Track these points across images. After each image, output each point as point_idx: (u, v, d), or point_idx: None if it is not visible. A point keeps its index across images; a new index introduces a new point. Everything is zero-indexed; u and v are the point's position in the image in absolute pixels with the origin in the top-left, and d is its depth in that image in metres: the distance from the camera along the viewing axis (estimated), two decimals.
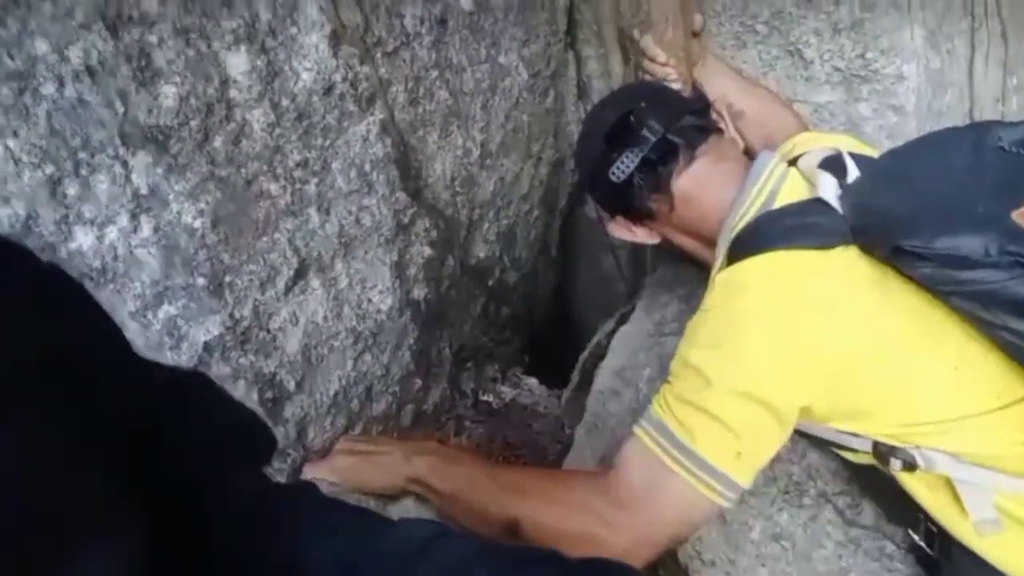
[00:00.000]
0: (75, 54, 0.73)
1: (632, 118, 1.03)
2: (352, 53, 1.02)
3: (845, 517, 1.02)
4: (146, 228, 0.83)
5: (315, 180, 1.01)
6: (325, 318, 1.06)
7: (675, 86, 1.27)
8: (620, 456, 0.86)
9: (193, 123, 0.85)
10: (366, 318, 1.13)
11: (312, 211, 1.01)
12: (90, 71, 0.75)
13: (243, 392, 0.96)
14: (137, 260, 0.82)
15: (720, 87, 1.25)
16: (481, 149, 1.35)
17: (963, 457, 0.83)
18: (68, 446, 0.31)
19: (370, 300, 1.13)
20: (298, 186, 0.99)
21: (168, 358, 0.87)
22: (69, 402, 0.33)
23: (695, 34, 1.30)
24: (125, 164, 0.80)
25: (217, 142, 0.88)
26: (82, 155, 0.76)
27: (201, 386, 0.49)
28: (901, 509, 0.93)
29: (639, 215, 1.08)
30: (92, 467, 0.33)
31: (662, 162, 1.02)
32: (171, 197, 0.84)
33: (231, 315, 0.93)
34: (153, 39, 0.80)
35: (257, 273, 0.95)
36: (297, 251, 1.00)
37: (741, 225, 0.94)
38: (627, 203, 1.06)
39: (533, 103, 1.46)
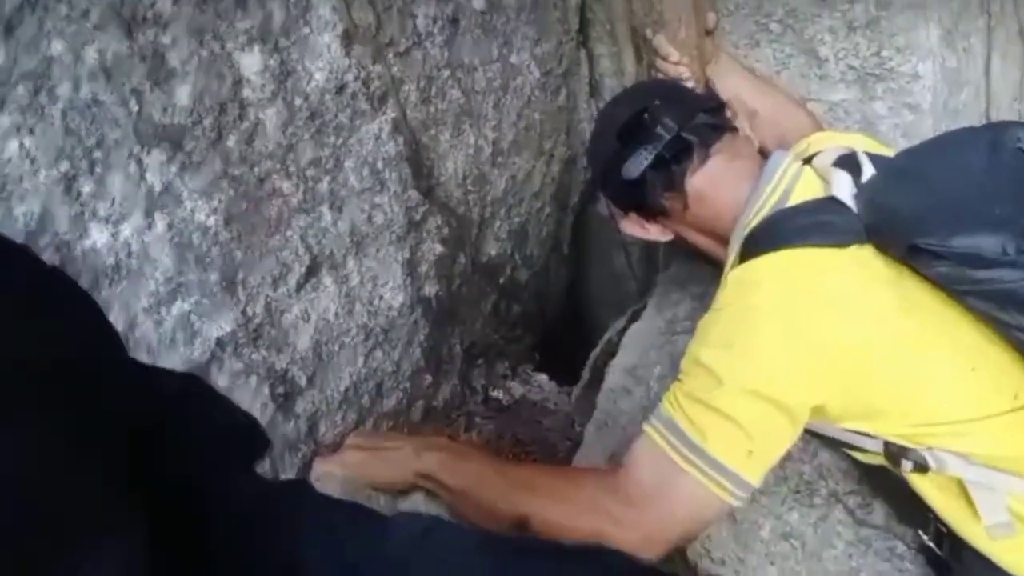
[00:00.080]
0: (90, 54, 0.75)
1: (646, 115, 1.03)
2: (364, 52, 1.03)
3: (856, 517, 1.01)
4: (160, 225, 0.84)
5: (327, 178, 1.02)
6: (336, 315, 1.07)
7: (688, 84, 1.27)
8: (630, 454, 0.86)
9: (207, 122, 0.86)
10: (377, 315, 1.14)
11: (324, 209, 1.02)
12: (105, 71, 0.76)
13: (254, 388, 0.97)
14: (151, 257, 0.83)
15: (733, 86, 1.24)
16: (493, 147, 1.35)
17: (976, 459, 0.82)
18: (68, 446, 0.32)
19: (381, 297, 1.14)
20: (310, 184, 1.00)
21: (181, 354, 0.88)
22: (69, 402, 0.33)
23: (708, 33, 1.29)
24: (139, 162, 0.81)
25: (231, 141, 0.89)
26: (97, 154, 0.77)
27: (199, 388, 0.50)
28: (912, 509, 0.93)
29: (652, 212, 1.07)
30: (92, 467, 0.33)
31: (676, 160, 1.01)
32: (185, 195, 0.85)
33: (243, 312, 0.94)
34: (167, 39, 0.81)
35: (269, 270, 0.96)
36: (309, 248, 1.01)
37: (755, 223, 0.94)
38: (640, 200, 1.06)
39: (545, 101, 1.46)
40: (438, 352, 1.31)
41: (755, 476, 0.83)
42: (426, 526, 0.48)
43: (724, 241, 1.02)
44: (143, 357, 0.84)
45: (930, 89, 1.33)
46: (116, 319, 0.81)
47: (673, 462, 0.82)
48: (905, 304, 0.85)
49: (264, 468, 0.99)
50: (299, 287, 1.01)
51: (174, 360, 0.87)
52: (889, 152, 0.99)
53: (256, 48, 0.90)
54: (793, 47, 1.36)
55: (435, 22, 1.14)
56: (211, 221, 0.88)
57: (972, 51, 1.33)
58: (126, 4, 0.76)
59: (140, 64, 0.79)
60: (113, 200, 0.79)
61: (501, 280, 1.50)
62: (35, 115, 0.72)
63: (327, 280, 1.04)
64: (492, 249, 1.44)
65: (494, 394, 1.45)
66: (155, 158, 0.82)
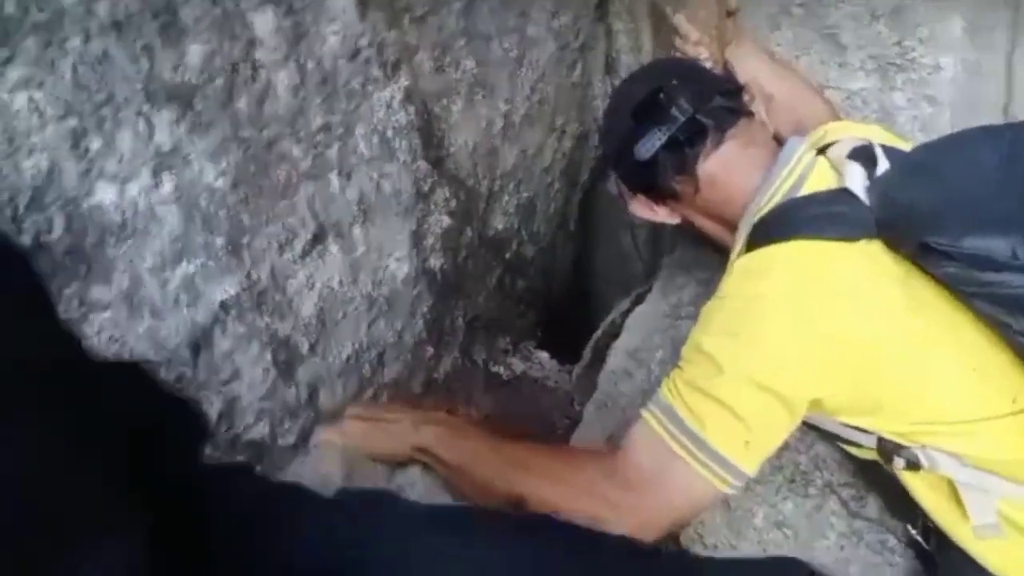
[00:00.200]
0: (102, 8, 0.73)
1: (662, 95, 1.01)
2: (380, 17, 1.01)
3: (849, 509, 1.02)
4: (167, 185, 0.83)
5: (337, 145, 1.01)
6: (341, 283, 1.06)
7: (706, 66, 1.25)
8: (628, 438, 0.86)
9: (218, 82, 0.84)
10: (382, 285, 1.14)
11: (333, 176, 1.01)
12: (116, 25, 0.74)
13: (256, 353, 0.97)
14: (157, 217, 0.83)
15: (751, 69, 1.22)
16: (505, 120, 1.33)
17: (969, 460, 0.82)
18: (68, 446, 0.31)
19: (386, 267, 1.13)
20: (320, 150, 0.98)
21: (184, 316, 0.87)
22: (69, 402, 0.33)
23: (729, 14, 1.27)
24: (148, 120, 0.80)
25: (241, 102, 0.88)
26: (106, 110, 0.76)
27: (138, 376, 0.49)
28: (905, 504, 0.93)
29: (662, 195, 1.06)
30: (92, 467, 0.33)
31: (689, 143, 1.00)
32: (193, 156, 0.84)
33: (248, 276, 0.93)
34: None
35: (275, 235, 0.96)
36: (316, 215, 1.00)
37: (765, 211, 0.93)
38: (650, 182, 1.05)
39: (560, 75, 1.45)
40: (441, 324, 1.31)
41: (751, 466, 0.83)
42: (426, 516, 0.48)
43: (732, 227, 1.01)
44: (147, 318, 0.84)
45: (951, 82, 1.31)
46: (121, 279, 0.81)
47: (670, 449, 0.82)
48: (912, 302, 0.84)
49: (263, 434, 1.00)
50: (304, 253, 1.00)
51: (178, 322, 0.87)
52: (906, 145, 0.98)
53: (270, 8, 0.88)
54: (814, 33, 1.34)
55: None
56: (219, 183, 0.87)
57: (995, 44, 1.31)
58: None
59: (152, 20, 0.77)
60: (121, 158, 0.78)
61: (507, 255, 1.49)
62: (45, 68, 0.70)
63: (333, 248, 1.04)
64: (499, 223, 1.43)
65: (495, 369, 1.45)
66: (164, 117, 0.81)
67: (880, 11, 1.28)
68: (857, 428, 0.88)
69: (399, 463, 0.99)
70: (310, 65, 0.94)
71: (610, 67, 1.59)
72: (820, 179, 0.93)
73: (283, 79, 0.91)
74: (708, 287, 1.12)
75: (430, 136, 1.16)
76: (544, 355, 1.56)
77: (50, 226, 0.74)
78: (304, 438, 1.06)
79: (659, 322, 1.21)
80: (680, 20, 1.25)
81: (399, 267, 1.15)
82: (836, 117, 1.18)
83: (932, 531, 0.90)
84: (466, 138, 1.25)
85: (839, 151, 0.94)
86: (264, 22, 0.88)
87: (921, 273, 0.84)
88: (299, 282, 1.01)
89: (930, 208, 0.81)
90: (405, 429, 0.98)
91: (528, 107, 1.38)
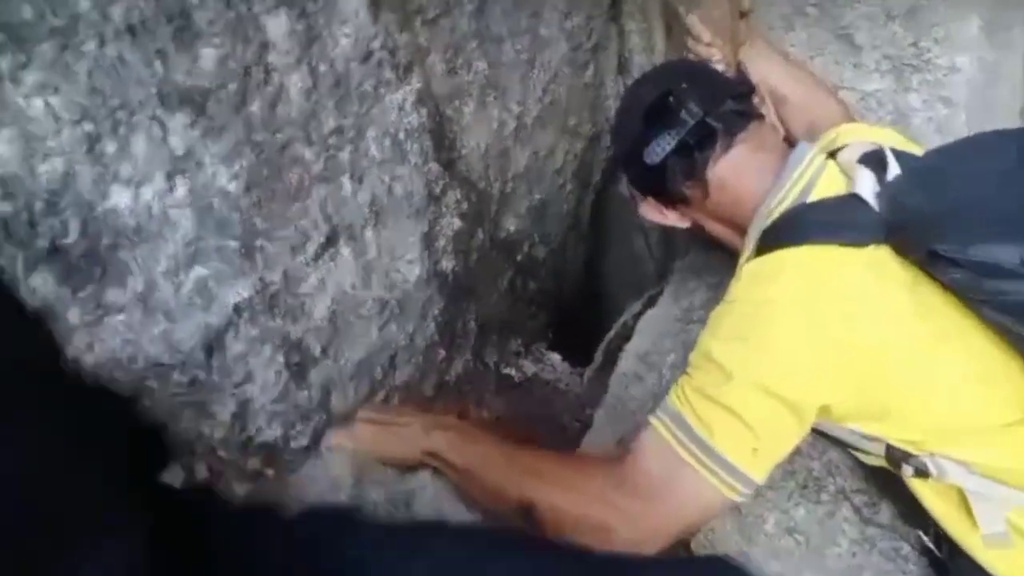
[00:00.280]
0: (117, 12, 0.73)
1: (671, 98, 1.01)
2: (392, 20, 1.01)
3: (862, 515, 1.01)
4: (181, 189, 0.83)
5: (349, 147, 1.01)
6: (353, 286, 1.07)
7: (719, 67, 1.24)
8: (637, 445, 0.86)
9: (231, 86, 0.85)
10: (393, 287, 1.14)
11: (345, 179, 1.01)
12: (131, 29, 0.75)
13: (269, 355, 0.97)
14: (171, 220, 0.83)
15: (764, 70, 1.21)
16: (517, 122, 1.33)
17: (978, 469, 0.82)
18: (68, 446, 0.31)
19: (398, 270, 1.14)
20: (332, 153, 0.99)
21: (198, 319, 0.88)
22: (69, 402, 0.33)
23: (743, 15, 1.26)
24: (163, 125, 0.80)
25: (254, 106, 0.88)
26: (121, 114, 0.76)
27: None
28: (918, 511, 0.93)
29: (671, 199, 1.06)
30: (92, 467, 0.33)
31: (699, 147, 0.99)
32: (207, 159, 0.84)
33: (261, 279, 0.94)
34: (194, 0, 0.79)
35: (288, 238, 0.96)
36: (328, 218, 1.00)
37: (774, 216, 0.92)
38: (660, 186, 1.04)
39: (572, 76, 1.44)
40: (452, 327, 1.31)
41: (760, 473, 0.82)
42: (388, 537, 0.48)
43: (742, 231, 1.00)
44: (161, 321, 0.84)
45: (967, 83, 1.29)
46: (135, 282, 0.81)
47: (678, 456, 0.82)
48: (920, 308, 0.84)
49: (276, 436, 1.00)
50: (317, 256, 1.00)
51: (191, 324, 0.87)
52: (919, 149, 0.97)
53: (283, 12, 0.88)
54: (829, 33, 1.33)
55: None
56: (232, 186, 0.88)
57: (1013, 45, 1.30)
58: None
59: (166, 24, 0.77)
60: (135, 162, 0.78)
61: (518, 257, 1.49)
62: (60, 73, 0.71)
63: (345, 251, 1.04)
64: (511, 225, 1.43)
65: (506, 371, 1.45)
66: (178, 121, 0.81)
67: (896, 11, 1.27)
68: (865, 435, 0.88)
69: (409, 467, 0.99)
70: (322, 68, 0.94)
71: (623, 67, 1.59)
72: (830, 184, 0.92)
73: (296, 82, 0.92)
74: (719, 291, 1.12)
75: (442, 138, 1.16)
76: (556, 357, 1.56)
77: (65, 230, 0.75)
78: (316, 440, 1.06)
79: (670, 326, 1.20)
80: (693, 21, 1.24)
81: (411, 270, 1.15)
82: (850, 119, 1.17)
83: (943, 539, 0.89)
84: (478, 140, 1.24)
85: (849, 156, 0.94)
86: (277, 25, 0.88)
87: (930, 279, 0.83)
88: (311, 285, 1.01)
89: (939, 214, 0.81)
90: (416, 433, 0.98)
91: (540, 108, 1.38)
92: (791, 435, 0.84)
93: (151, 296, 0.83)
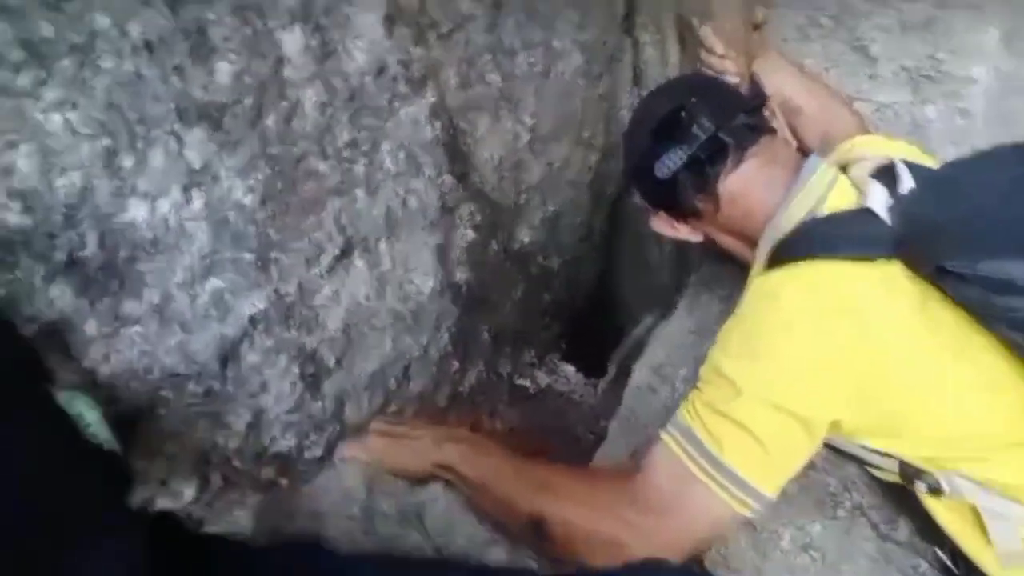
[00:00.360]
0: (134, 29, 0.75)
1: (683, 113, 1.00)
2: (406, 34, 1.02)
3: (879, 532, 1.00)
4: (197, 202, 0.84)
5: (364, 161, 1.01)
6: (367, 297, 1.07)
7: (732, 79, 1.24)
8: (648, 460, 0.85)
9: (247, 100, 0.86)
10: (407, 299, 1.14)
11: (359, 191, 1.02)
12: (148, 46, 0.76)
13: (284, 366, 0.97)
14: (187, 233, 0.84)
15: (778, 83, 1.21)
16: (531, 134, 1.34)
17: (992, 487, 0.80)
18: (68, 446, 0.32)
19: (412, 281, 1.14)
20: (347, 166, 0.99)
21: (214, 330, 0.89)
22: None
23: (756, 27, 1.26)
24: (179, 139, 0.81)
25: (270, 120, 0.89)
26: (138, 128, 0.77)
27: None
28: (935, 528, 0.91)
29: (682, 212, 1.06)
30: (92, 467, 0.33)
31: (710, 162, 0.99)
32: (223, 173, 0.85)
33: (276, 290, 0.94)
34: (211, 16, 0.80)
35: (303, 250, 0.97)
36: (343, 230, 1.01)
37: (785, 230, 0.92)
38: (671, 200, 1.04)
39: (586, 88, 1.45)
40: (466, 338, 1.31)
41: (771, 488, 0.82)
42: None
43: (753, 244, 1.00)
44: (177, 332, 0.85)
45: (984, 94, 1.28)
46: (152, 294, 0.82)
47: (689, 471, 0.81)
48: (930, 324, 0.82)
49: (290, 446, 1.01)
50: (331, 268, 1.01)
51: (207, 335, 0.88)
52: (934, 163, 0.96)
53: (298, 27, 0.89)
54: (844, 44, 1.33)
55: (478, 5, 1.13)
56: (247, 200, 0.88)
57: None
58: None
59: (183, 40, 0.79)
60: (152, 175, 0.79)
61: (532, 268, 1.49)
62: (79, 89, 0.72)
63: (359, 263, 1.05)
64: (525, 236, 1.44)
65: (520, 382, 1.45)
66: (195, 135, 0.82)
67: (912, 22, 1.26)
68: (878, 451, 0.87)
69: (421, 479, 0.99)
70: (337, 82, 0.95)
71: (637, 79, 1.59)
72: (841, 198, 0.92)
73: (311, 96, 0.93)
74: (733, 304, 1.11)
75: (456, 151, 1.17)
76: (570, 368, 1.56)
77: (83, 242, 0.76)
78: (330, 451, 1.07)
79: (684, 339, 1.20)
80: (706, 33, 1.24)
81: (424, 281, 1.15)
82: (865, 130, 1.16)
83: (960, 556, 0.88)
84: (492, 152, 1.25)
85: (862, 169, 0.93)
86: (292, 40, 0.89)
87: (940, 294, 0.82)
88: (326, 296, 1.02)
89: (950, 229, 0.80)
90: (427, 446, 0.98)
91: (554, 120, 1.38)
92: (802, 450, 0.83)
93: (167, 308, 0.84)
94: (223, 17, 0.81)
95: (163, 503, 0.89)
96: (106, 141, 0.75)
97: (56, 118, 0.72)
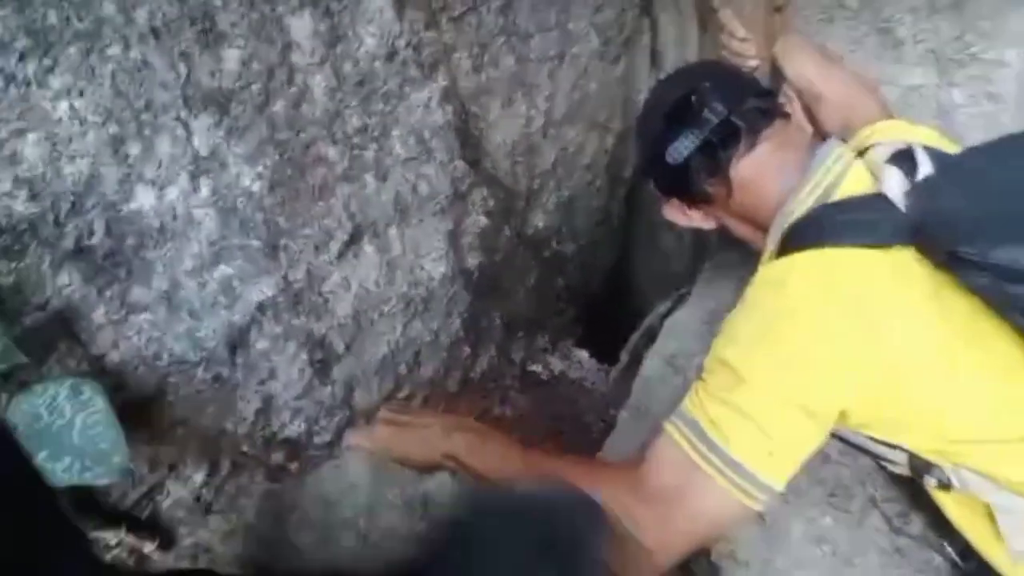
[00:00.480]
0: (141, 16, 0.74)
1: (694, 98, 0.98)
2: (417, 18, 1.01)
3: (892, 525, 0.98)
4: (205, 190, 0.84)
5: (374, 146, 1.01)
6: (377, 283, 1.07)
7: (752, 62, 1.21)
8: (651, 451, 0.84)
9: (254, 87, 0.85)
10: (418, 285, 1.14)
11: (369, 177, 1.01)
12: (155, 32, 0.76)
13: (293, 352, 0.98)
14: (195, 221, 0.84)
15: (799, 65, 1.18)
16: (545, 118, 1.32)
17: (1003, 481, 0.78)
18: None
19: (423, 267, 1.14)
20: (356, 152, 0.99)
21: (222, 317, 0.89)
22: None
23: (778, 9, 1.23)
24: (187, 126, 0.81)
25: (278, 106, 0.88)
26: (145, 116, 0.77)
27: None
28: (947, 522, 0.90)
29: (694, 198, 1.04)
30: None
31: (723, 146, 0.96)
32: (230, 160, 0.85)
33: (285, 277, 0.95)
34: (217, 1, 0.80)
35: (312, 237, 0.96)
36: (352, 216, 1.01)
37: (795, 216, 0.90)
38: (683, 186, 1.02)
39: (602, 71, 1.42)
40: (477, 323, 1.30)
41: (776, 479, 0.80)
42: None
43: (766, 231, 0.98)
44: (185, 319, 0.86)
45: (1015, 78, 1.24)
46: (160, 281, 0.83)
47: (692, 462, 0.79)
48: (943, 312, 0.80)
49: (299, 432, 1.01)
50: (340, 255, 1.01)
51: (216, 322, 0.89)
52: (957, 149, 0.93)
53: (307, 12, 0.88)
54: (869, 26, 1.28)
55: None
56: (255, 186, 0.88)
57: None
58: None
59: (190, 26, 0.78)
60: (160, 163, 0.79)
61: (546, 253, 1.48)
62: (86, 76, 0.72)
63: (369, 248, 1.04)
64: (539, 221, 1.42)
65: (532, 368, 1.44)
66: (202, 122, 0.82)
67: (940, 3, 1.22)
68: (886, 443, 0.85)
69: (428, 468, 0.99)
70: (347, 67, 0.94)
71: (655, 61, 1.56)
72: (856, 183, 0.89)
73: (320, 82, 0.92)
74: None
75: (468, 136, 1.15)
76: (583, 354, 1.55)
77: (91, 230, 0.76)
78: (340, 436, 1.07)
79: (697, 327, 1.18)
80: (726, 15, 1.21)
81: (435, 267, 1.15)
82: (888, 116, 1.13)
83: (971, 552, 0.86)
84: (504, 137, 1.24)
85: (878, 154, 0.90)
86: (301, 26, 0.88)
87: (954, 282, 0.79)
88: (335, 283, 1.01)
89: (966, 216, 0.77)
90: (435, 435, 0.98)
91: (569, 104, 1.36)
92: (809, 440, 0.81)
93: (175, 295, 0.85)
94: (230, 2, 0.81)
95: (172, 488, 0.90)
96: (113, 128, 0.75)
97: (63, 106, 0.72)
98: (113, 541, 0.84)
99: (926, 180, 0.83)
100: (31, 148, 0.70)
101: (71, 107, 0.72)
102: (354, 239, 1.02)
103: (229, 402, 0.93)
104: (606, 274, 1.78)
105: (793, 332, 0.82)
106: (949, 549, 0.90)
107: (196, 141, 0.82)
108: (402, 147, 1.04)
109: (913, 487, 0.97)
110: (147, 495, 0.88)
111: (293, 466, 1.01)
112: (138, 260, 0.80)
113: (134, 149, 0.77)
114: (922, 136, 0.95)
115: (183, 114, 0.80)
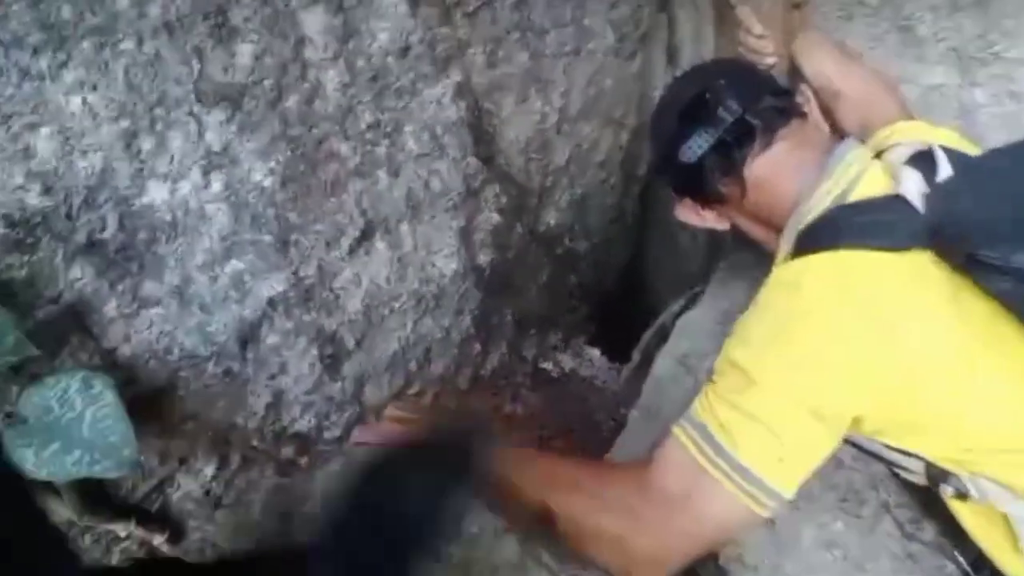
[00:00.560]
0: (154, 10, 0.74)
1: (708, 96, 0.96)
2: (431, 13, 1.00)
3: (905, 531, 0.97)
4: (217, 184, 0.84)
5: (386, 142, 1.00)
6: (388, 280, 1.07)
7: (769, 60, 1.20)
8: (659, 454, 0.83)
9: (267, 82, 0.85)
10: (429, 281, 1.14)
11: (381, 173, 1.01)
12: (168, 27, 0.76)
13: (303, 348, 0.98)
14: (207, 216, 0.84)
15: (817, 63, 1.16)
16: (559, 114, 1.31)
17: (1022, 492, 0.77)
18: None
19: (434, 264, 1.13)
20: (368, 148, 0.99)
21: (233, 312, 0.89)
22: None
23: (796, 6, 1.21)
24: (199, 121, 0.81)
25: (290, 101, 0.88)
26: (158, 111, 0.78)
27: None
28: (961, 530, 0.88)
29: (707, 199, 1.02)
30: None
31: (737, 145, 0.95)
32: (242, 155, 0.85)
33: (295, 272, 0.95)
34: None
35: (323, 233, 0.96)
36: (364, 213, 1.00)
37: (810, 217, 0.88)
38: (696, 185, 1.01)
39: (618, 67, 1.41)
40: (488, 320, 1.30)
41: (785, 485, 0.78)
42: None
43: (780, 232, 0.96)
44: (196, 313, 0.86)
45: None
46: (171, 275, 0.83)
47: (700, 466, 0.78)
48: (962, 317, 0.78)
49: (309, 427, 1.02)
50: (352, 251, 1.01)
51: (227, 317, 0.89)
52: (977, 151, 0.91)
53: (320, 7, 0.88)
54: (889, 23, 1.26)
55: None
56: (267, 182, 0.88)
57: None
58: None
59: (202, 21, 0.78)
60: (172, 158, 0.80)
61: (559, 250, 1.48)
62: (99, 71, 0.72)
63: (380, 245, 1.04)
64: (552, 219, 1.42)
65: (544, 365, 1.44)
66: (214, 117, 0.82)
67: (962, 1, 1.20)
68: (902, 451, 0.84)
69: None
70: (360, 63, 0.94)
71: (672, 58, 1.54)
72: (873, 184, 0.87)
73: (332, 77, 0.92)
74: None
75: (481, 132, 1.15)
76: (595, 352, 1.54)
77: (103, 224, 0.77)
78: (349, 431, 1.07)
79: (710, 327, 1.17)
80: (745, 12, 1.19)
81: (447, 264, 1.15)
82: (907, 116, 1.11)
83: (985, 562, 0.85)
84: (518, 133, 1.23)
85: (896, 155, 0.88)
86: (314, 21, 0.88)
87: (974, 289, 0.78)
88: (346, 279, 1.01)
89: (986, 219, 0.75)
90: None
91: (583, 100, 1.35)
92: (820, 446, 0.80)
93: (187, 289, 0.85)
94: None
95: (183, 481, 0.91)
96: (126, 123, 0.75)
97: (76, 100, 0.72)
98: (123, 533, 0.85)
99: (945, 182, 0.82)
100: (44, 142, 0.71)
101: (84, 101, 0.72)
102: (365, 235, 1.02)
103: (239, 396, 0.93)
104: (620, 272, 1.77)
105: (806, 333, 0.80)
106: (961, 560, 0.88)
107: (208, 136, 0.82)
108: (415, 143, 1.04)
109: (927, 492, 0.96)
110: (157, 488, 0.89)
111: (303, 461, 1.01)
112: (150, 254, 0.80)
113: (147, 144, 0.78)
114: (942, 138, 0.94)
115: (196, 109, 0.80)
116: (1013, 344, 0.78)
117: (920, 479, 0.85)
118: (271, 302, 0.93)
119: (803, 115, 1.00)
